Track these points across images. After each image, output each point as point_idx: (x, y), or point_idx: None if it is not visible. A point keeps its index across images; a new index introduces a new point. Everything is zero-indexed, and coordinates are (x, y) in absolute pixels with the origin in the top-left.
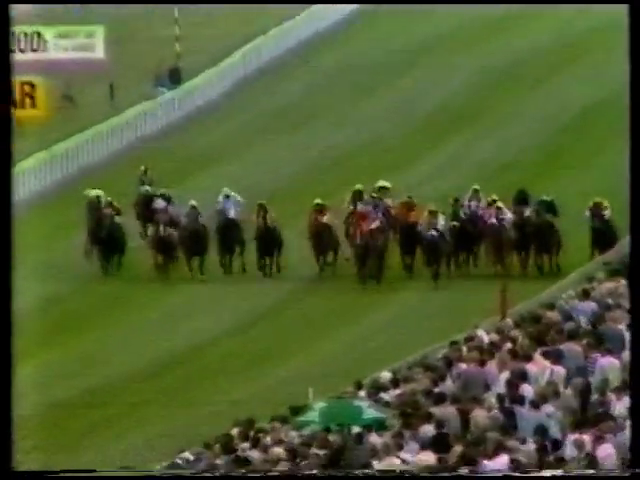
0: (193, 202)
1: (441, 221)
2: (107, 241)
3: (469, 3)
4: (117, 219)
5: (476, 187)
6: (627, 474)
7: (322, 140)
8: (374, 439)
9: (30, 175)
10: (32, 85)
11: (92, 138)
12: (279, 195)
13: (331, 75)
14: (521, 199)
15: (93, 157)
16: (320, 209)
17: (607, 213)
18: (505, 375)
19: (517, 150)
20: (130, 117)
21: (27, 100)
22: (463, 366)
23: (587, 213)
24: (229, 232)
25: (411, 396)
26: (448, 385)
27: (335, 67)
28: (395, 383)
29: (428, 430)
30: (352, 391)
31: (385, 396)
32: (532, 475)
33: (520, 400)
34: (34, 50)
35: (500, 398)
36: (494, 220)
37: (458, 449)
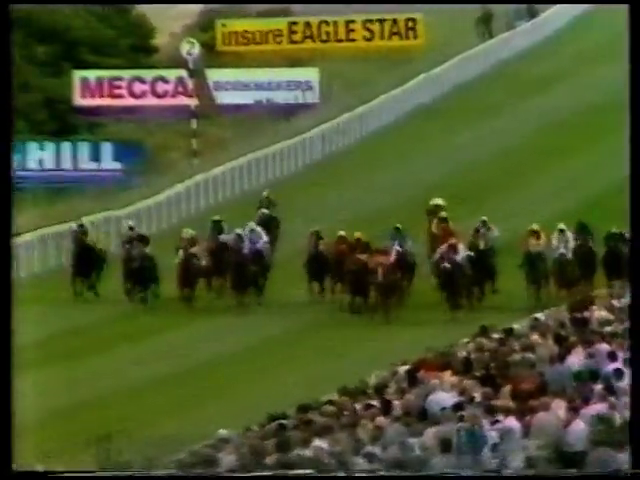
0: (249, 227)
1: (461, 252)
2: (138, 272)
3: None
4: (146, 250)
5: (484, 219)
6: (627, 474)
7: None
8: None
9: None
10: (414, 20)
11: (464, 59)
12: None
13: None
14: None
15: (465, 76)
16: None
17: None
18: None
19: None
20: (493, 43)
21: (410, 33)
22: None
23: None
24: (255, 263)
25: None
26: None
27: None
28: None
29: None
30: None
31: None
32: (533, 475)
33: None
34: None
35: None
36: (562, 250)
37: None
